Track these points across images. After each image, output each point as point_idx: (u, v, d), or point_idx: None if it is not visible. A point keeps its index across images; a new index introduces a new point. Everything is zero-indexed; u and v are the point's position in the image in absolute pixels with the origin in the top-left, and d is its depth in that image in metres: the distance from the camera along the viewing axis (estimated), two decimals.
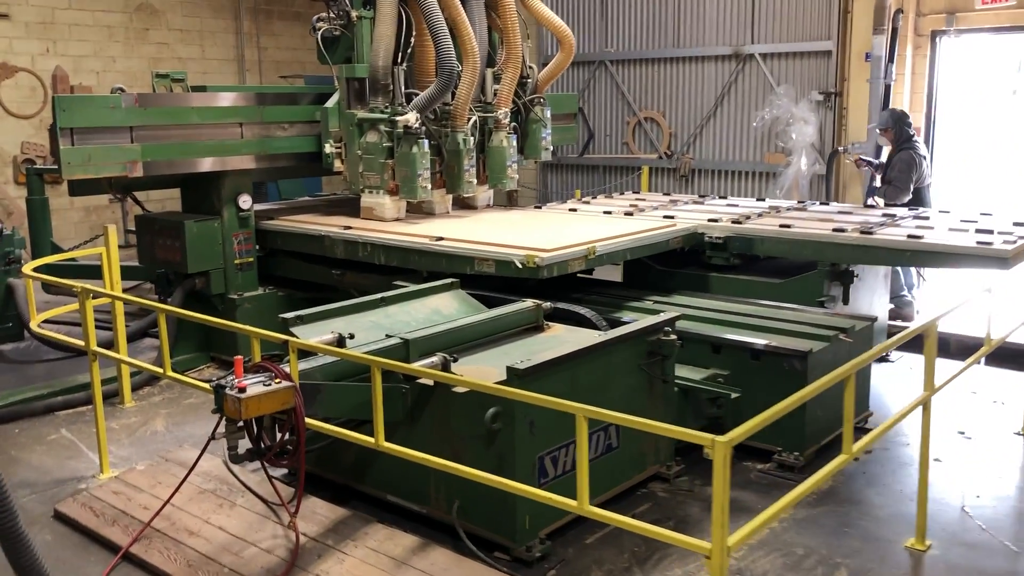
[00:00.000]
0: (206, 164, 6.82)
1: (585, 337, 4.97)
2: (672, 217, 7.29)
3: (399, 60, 7.17)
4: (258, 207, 8.23)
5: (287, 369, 3.98)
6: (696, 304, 6.18)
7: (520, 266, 5.73)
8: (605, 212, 7.74)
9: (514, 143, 7.78)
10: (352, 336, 4.86)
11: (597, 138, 12.74)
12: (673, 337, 4.89)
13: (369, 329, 5.19)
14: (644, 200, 8.63)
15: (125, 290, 9.90)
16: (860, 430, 5.87)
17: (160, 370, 4.84)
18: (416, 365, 4.29)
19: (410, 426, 4.53)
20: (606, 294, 6.51)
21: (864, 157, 9.31)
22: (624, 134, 12.48)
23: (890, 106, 9.62)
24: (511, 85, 7.72)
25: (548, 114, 8.13)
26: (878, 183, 8.96)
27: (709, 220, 7.07)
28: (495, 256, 5.93)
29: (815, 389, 3.34)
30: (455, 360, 4.45)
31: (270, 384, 3.85)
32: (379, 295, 5.56)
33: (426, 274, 6.34)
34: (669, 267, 7.04)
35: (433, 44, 6.93)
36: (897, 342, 3.89)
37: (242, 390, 3.76)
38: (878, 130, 8.91)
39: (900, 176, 8.44)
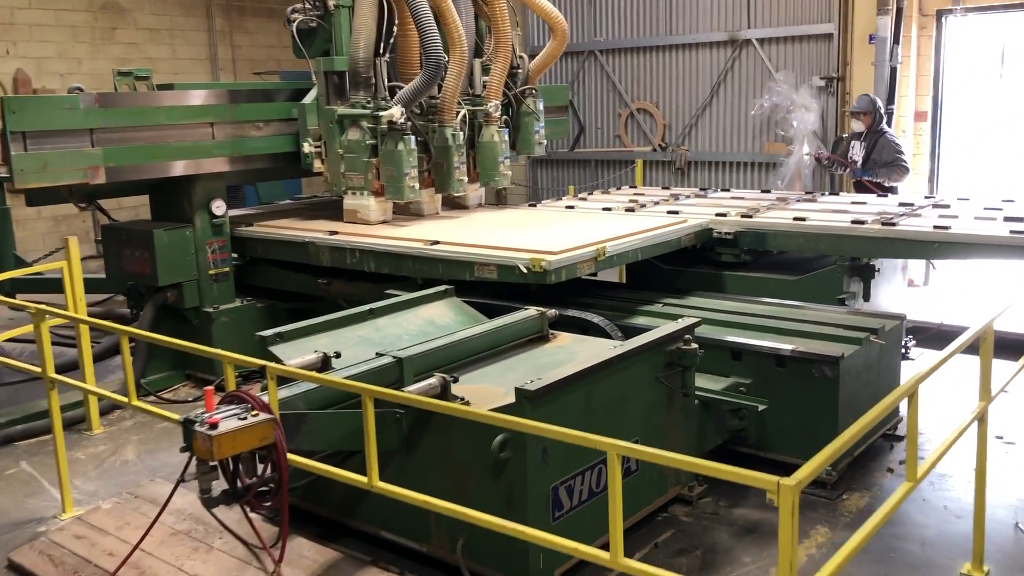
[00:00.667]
0: (175, 168, 6.30)
1: (596, 348, 4.51)
2: (677, 212, 6.84)
3: (381, 51, 6.67)
4: (234, 213, 7.73)
5: (265, 398, 3.50)
6: (711, 306, 5.72)
7: (525, 271, 5.25)
8: (604, 209, 7.28)
9: (506, 138, 7.30)
10: (338, 355, 4.38)
11: (588, 131, 12.28)
12: (694, 346, 4.42)
13: (357, 345, 4.71)
14: (643, 195, 8.18)
15: (96, 303, 9.38)
16: (891, 437, 5.45)
17: (124, 399, 4.33)
18: (412, 389, 3.81)
19: (407, 455, 4.05)
20: (612, 297, 6.04)
21: (823, 152, 9.17)
22: (616, 127, 12.01)
23: (895, 90, 9.23)
24: (501, 76, 7.23)
25: (541, 106, 7.66)
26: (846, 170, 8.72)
27: (717, 215, 6.63)
28: (497, 260, 5.45)
29: (886, 407, 2.87)
30: (455, 381, 3.97)
31: (246, 417, 3.37)
32: (367, 306, 5.09)
33: (421, 281, 5.86)
34: (675, 266, 6.59)
35: (418, 33, 6.43)
36: (961, 347, 3.44)
37: (213, 426, 3.28)
38: (853, 114, 8.65)
39: (899, 156, 8.48)
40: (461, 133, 6.94)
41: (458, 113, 6.94)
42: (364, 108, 6.62)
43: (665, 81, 11.55)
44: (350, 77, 6.71)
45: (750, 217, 6.50)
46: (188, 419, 3.37)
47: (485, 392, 4.10)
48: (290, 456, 3.50)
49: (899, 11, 9.09)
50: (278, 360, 4.47)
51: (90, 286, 8.80)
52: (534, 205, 7.86)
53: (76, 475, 5.35)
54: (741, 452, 5.08)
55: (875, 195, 7.92)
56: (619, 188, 9.00)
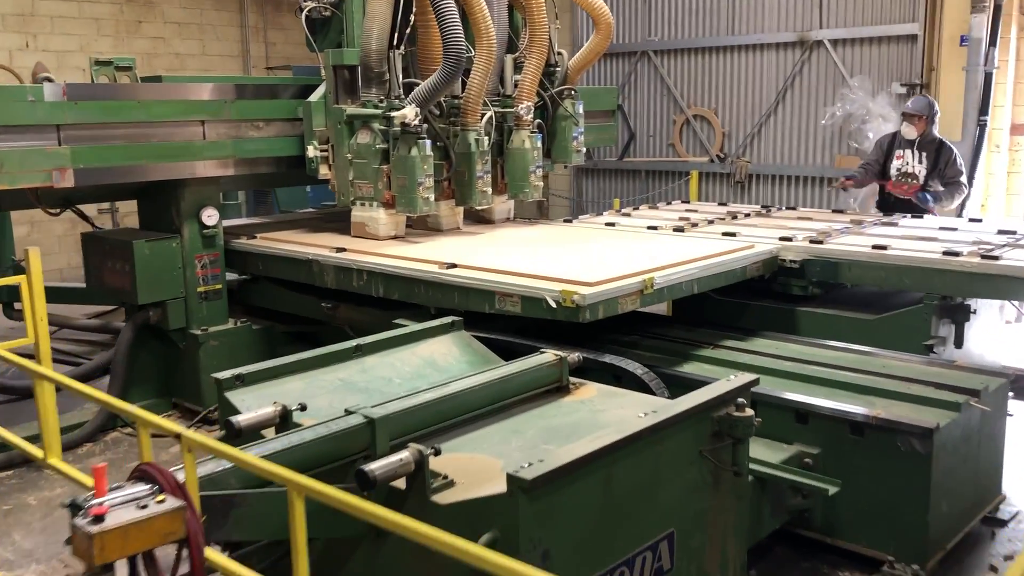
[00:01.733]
0: (158, 171, 5.55)
1: (625, 408, 3.62)
2: (734, 235, 5.91)
3: (396, 43, 5.85)
4: (236, 223, 7.03)
5: (182, 476, 2.68)
6: (773, 350, 4.79)
7: (554, 305, 4.39)
8: (650, 228, 6.36)
9: (539, 144, 6.43)
10: (304, 408, 3.55)
11: (639, 139, 11.32)
12: (749, 413, 3.48)
13: (334, 392, 3.89)
14: (696, 211, 7.25)
15: (98, 315, 8.74)
16: (993, 521, 4.43)
17: (40, 453, 3.55)
18: (376, 467, 2.95)
19: (376, 542, 3.19)
20: (658, 335, 5.14)
21: (852, 174, 7.85)
22: (670, 134, 11.05)
23: (990, 99, 8.13)
24: (535, 74, 6.37)
25: (580, 109, 6.77)
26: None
27: (780, 239, 5.69)
28: (521, 291, 4.58)
29: None
30: (436, 453, 3.10)
31: (147, 504, 2.55)
32: (353, 342, 4.25)
33: (434, 311, 5.03)
34: (731, 297, 5.64)
35: (437, 23, 5.60)
36: None
37: (99, 518, 2.46)
38: (905, 116, 7.40)
39: (962, 172, 7.28)
40: (486, 138, 6.10)
41: (483, 115, 6.10)
42: (376, 108, 5.81)
43: (725, 85, 10.54)
44: (362, 72, 5.92)
45: (820, 243, 5.54)
46: (75, 503, 2.56)
47: (477, 466, 3.22)
48: (208, 554, 2.67)
49: (997, 9, 8.00)
50: (234, 410, 3.68)
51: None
52: (570, 221, 6.97)
53: (18, 527, 4.62)
54: (803, 536, 4.15)
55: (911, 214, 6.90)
56: (669, 203, 8.05)
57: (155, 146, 5.46)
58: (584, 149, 6.85)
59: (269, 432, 3.51)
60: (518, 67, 6.47)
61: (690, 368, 4.59)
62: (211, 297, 6.02)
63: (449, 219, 6.35)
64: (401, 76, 5.81)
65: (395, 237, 6.01)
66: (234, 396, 3.74)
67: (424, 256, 5.40)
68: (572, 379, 4.05)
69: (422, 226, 6.40)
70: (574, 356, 4.11)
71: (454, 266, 5.07)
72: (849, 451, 3.97)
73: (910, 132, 7.32)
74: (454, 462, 3.21)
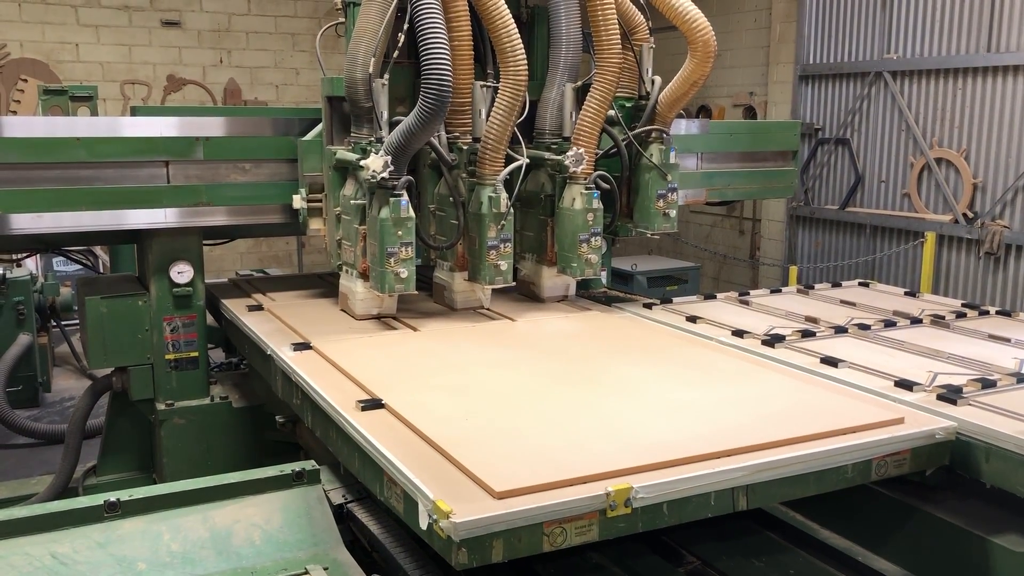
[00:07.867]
0: (100, 220, 4.70)
1: None
2: (835, 364, 3.89)
3: (380, 70, 4.52)
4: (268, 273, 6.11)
5: None
6: None
7: (424, 526, 2.66)
8: (735, 334, 4.45)
9: (595, 204, 4.77)
10: None
11: (867, 183, 8.86)
12: None
13: None
14: (854, 305, 5.14)
15: None
16: None
17: None
18: None
19: None
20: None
21: None
22: (906, 182, 8.48)
23: None
24: (598, 111, 4.73)
25: (673, 157, 4.97)
26: None
27: (897, 383, 3.62)
28: (406, 484, 2.77)
29: None
30: None
31: None
32: (113, 495, 3.03)
33: (343, 471, 3.68)
34: None
35: (416, 38, 4.22)
36: None
37: None
38: None
39: None
40: (503, 197, 4.58)
41: (510, 163, 4.61)
42: (364, 151, 4.55)
43: (981, 120, 7.83)
44: (350, 106, 4.68)
45: (951, 402, 3.40)
46: None
47: None
48: None
49: None
50: None
51: None
52: (649, 306, 5.16)
53: None
54: None
55: None
56: (837, 284, 5.84)
57: (93, 191, 4.62)
58: (674, 212, 5.03)
59: None
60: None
61: None
62: (183, 367, 5.10)
63: (465, 296, 4.90)
64: (386, 112, 4.47)
65: (377, 317, 4.69)
66: None
67: (374, 369, 3.82)
68: None
69: (440, 300, 5.03)
70: None
71: (379, 405, 3.37)
72: None
73: None
74: None
